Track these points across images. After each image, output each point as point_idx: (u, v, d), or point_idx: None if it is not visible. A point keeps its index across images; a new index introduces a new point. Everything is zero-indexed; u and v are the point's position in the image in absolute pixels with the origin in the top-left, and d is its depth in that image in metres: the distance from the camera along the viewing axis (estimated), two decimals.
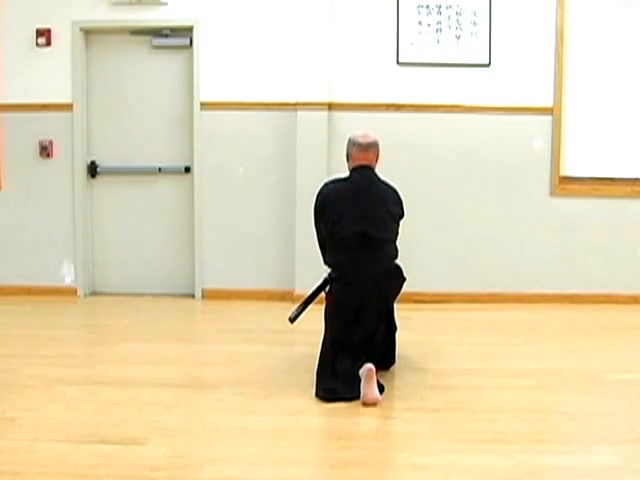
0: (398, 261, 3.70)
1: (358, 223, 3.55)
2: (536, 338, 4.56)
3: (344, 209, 3.58)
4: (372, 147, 3.70)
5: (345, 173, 3.78)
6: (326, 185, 3.75)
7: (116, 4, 5.42)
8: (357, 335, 3.53)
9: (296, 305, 3.76)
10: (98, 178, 5.67)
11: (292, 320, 3.70)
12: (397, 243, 3.70)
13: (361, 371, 3.36)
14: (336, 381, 3.43)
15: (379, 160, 3.76)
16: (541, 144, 5.43)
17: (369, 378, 3.33)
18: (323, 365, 3.53)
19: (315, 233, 3.79)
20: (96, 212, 5.71)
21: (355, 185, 3.64)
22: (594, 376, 3.78)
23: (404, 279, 3.72)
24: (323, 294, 3.70)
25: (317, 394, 3.43)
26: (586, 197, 5.46)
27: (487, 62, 5.38)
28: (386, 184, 3.74)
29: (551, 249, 5.49)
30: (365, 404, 3.32)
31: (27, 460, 2.74)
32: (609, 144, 5.47)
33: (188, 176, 5.62)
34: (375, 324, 3.58)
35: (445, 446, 2.90)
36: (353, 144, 3.71)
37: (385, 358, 3.77)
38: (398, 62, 5.41)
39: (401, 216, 3.76)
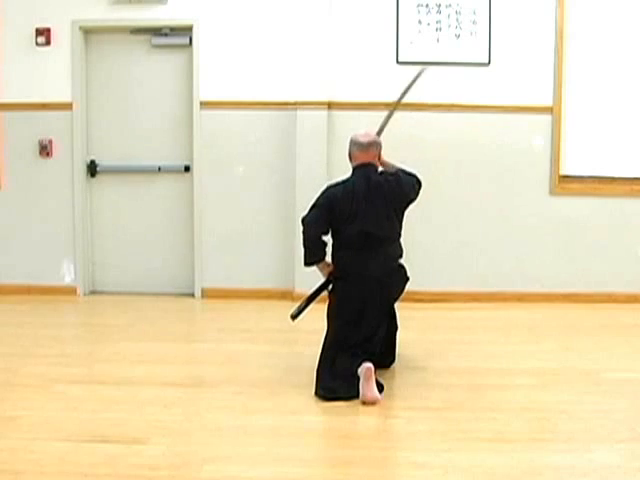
0: (401, 260, 3.70)
1: (361, 222, 3.55)
2: (536, 337, 4.56)
3: (349, 209, 3.56)
4: (372, 146, 3.71)
5: (345, 174, 3.77)
6: (331, 188, 3.70)
7: (116, 3, 5.42)
8: (358, 334, 3.53)
9: (297, 303, 3.76)
10: (98, 177, 5.67)
11: (294, 317, 3.71)
12: (401, 240, 3.71)
13: (360, 370, 3.37)
14: (335, 380, 3.43)
15: (380, 157, 3.75)
16: (541, 143, 5.43)
17: (368, 377, 3.34)
18: (323, 364, 3.53)
19: (308, 220, 3.63)
20: (96, 211, 5.71)
21: (357, 185, 3.63)
22: (594, 375, 3.79)
23: (407, 279, 3.71)
24: (325, 293, 3.71)
25: (316, 393, 3.43)
26: (586, 196, 5.46)
27: (487, 61, 5.38)
28: (389, 174, 3.70)
29: (551, 248, 5.49)
30: (364, 403, 3.33)
31: (27, 459, 2.75)
32: (609, 143, 5.47)
33: (188, 175, 5.62)
34: (377, 323, 3.58)
35: (445, 445, 2.90)
36: (354, 144, 3.72)
37: (385, 357, 3.77)
38: (398, 61, 5.41)
39: (412, 199, 3.73)
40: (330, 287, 3.68)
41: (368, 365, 3.36)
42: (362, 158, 3.69)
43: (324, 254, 3.66)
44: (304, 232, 3.62)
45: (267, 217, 5.55)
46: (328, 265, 3.67)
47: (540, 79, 5.38)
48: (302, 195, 5.26)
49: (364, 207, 3.56)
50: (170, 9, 5.45)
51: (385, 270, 3.58)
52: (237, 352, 4.19)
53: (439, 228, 5.49)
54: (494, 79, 5.40)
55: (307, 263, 3.67)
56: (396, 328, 3.83)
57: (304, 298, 3.71)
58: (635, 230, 5.46)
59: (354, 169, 3.72)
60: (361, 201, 3.57)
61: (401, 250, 3.70)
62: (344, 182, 3.69)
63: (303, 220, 3.63)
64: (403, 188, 3.70)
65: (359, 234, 3.55)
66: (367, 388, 3.33)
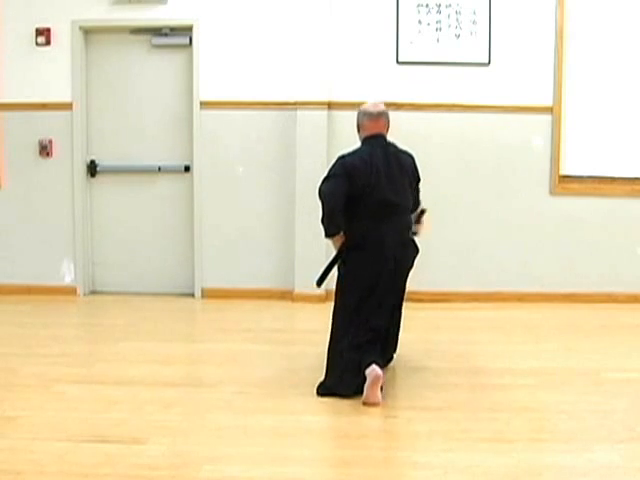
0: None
1: (381, 191, 3.51)
2: (536, 337, 4.56)
3: (368, 178, 3.51)
4: (383, 115, 3.68)
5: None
6: (344, 157, 3.60)
7: (116, 3, 5.42)
8: (370, 306, 3.48)
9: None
10: (98, 177, 5.67)
11: (319, 284, 3.65)
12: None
13: (367, 372, 3.33)
14: (340, 376, 3.42)
15: (389, 129, 3.72)
16: (541, 143, 5.43)
17: (374, 383, 3.31)
18: (332, 356, 3.51)
19: (325, 191, 3.52)
20: (96, 211, 5.71)
21: (373, 154, 3.57)
22: (594, 375, 3.79)
23: (418, 250, 3.69)
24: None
25: (318, 390, 3.44)
26: (586, 196, 5.46)
27: (487, 61, 5.38)
28: (401, 150, 3.71)
29: (551, 248, 5.49)
30: (365, 404, 3.32)
31: (27, 459, 2.75)
32: (609, 143, 5.47)
33: (188, 175, 5.62)
34: (389, 297, 3.53)
35: (445, 445, 2.90)
36: (364, 114, 3.68)
37: (389, 346, 3.74)
38: (398, 61, 5.41)
39: (418, 180, 3.77)
40: (342, 259, 3.61)
41: (378, 372, 3.31)
42: (372, 128, 3.65)
43: (343, 224, 3.55)
44: (325, 203, 3.50)
45: (267, 217, 5.55)
46: (341, 237, 3.58)
47: (540, 79, 5.38)
48: (302, 195, 5.27)
49: (383, 176, 3.53)
50: (170, 9, 5.45)
51: (401, 240, 3.56)
52: (237, 352, 4.18)
53: (439, 228, 5.47)
54: (494, 79, 5.40)
55: (329, 235, 3.57)
56: (400, 316, 3.78)
57: (323, 269, 3.64)
58: (635, 230, 5.46)
59: (364, 140, 3.67)
60: (380, 170, 3.53)
61: (412, 221, 3.69)
62: (357, 152, 3.62)
63: (320, 191, 3.51)
64: (415, 165, 3.74)
65: (380, 203, 3.50)
66: (371, 392, 3.31)
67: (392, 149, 3.67)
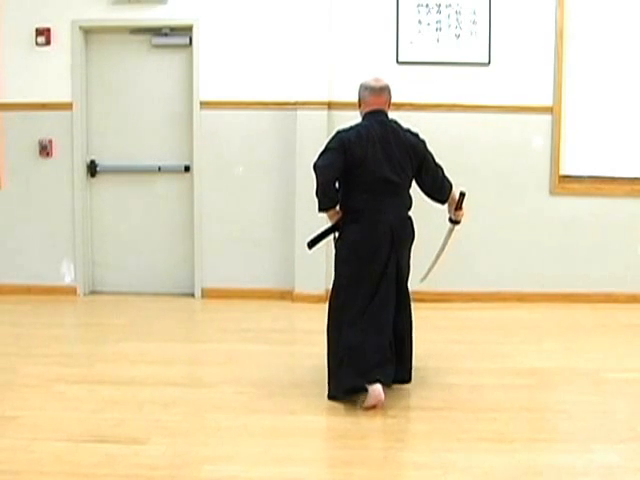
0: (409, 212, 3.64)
1: (377, 166, 3.46)
2: (535, 337, 4.56)
3: (364, 153, 3.45)
4: (385, 90, 3.65)
5: None
6: (342, 132, 3.55)
7: (116, 3, 5.42)
8: (368, 284, 3.42)
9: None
10: (98, 177, 5.67)
11: (310, 246, 3.61)
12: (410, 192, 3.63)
13: (370, 388, 3.29)
14: (339, 378, 3.40)
15: (390, 105, 3.68)
16: (541, 143, 5.43)
17: (377, 402, 3.28)
18: (331, 358, 3.48)
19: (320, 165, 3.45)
20: (96, 211, 5.71)
21: (371, 129, 3.53)
22: (593, 375, 3.79)
23: (414, 233, 3.63)
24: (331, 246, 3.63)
25: (330, 395, 3.41)
26: (586, 196, 5.46)
27: (487, 61, 5.38)
28: (403, 128, 3.63)
29: (551, 248, 5.49)
30: (366, 409, 3.31)
31: (27, 459, 2.75)
32: (609, 143, 5.47)
33: (188, 175, 5.62)
34: (385, 273, 3.46)
35: (445, 445, 2.90)
36: (365, 88, 3.64)
37: (400, 360, 3.56)
38: (398, 61, 5.41)
39: (424, 159, 3.60)
40: (337, 235, 3.58)
41: (380, 395, 3.28)
42: (374, 103, 3.60)
43: (338, 198, 3.51)
44: (319, 176, 3.44)
45: (267, 217, 5.54)
46: (337, 212, 3.54)
47: (540, 79, 5.38)
48: (302, 195, 5.27)
49: (380, 151, 3.47)
50: (170, 9, 5.45)
51: (399, 215, 3.52)
52: (237, 352, 4.19)
53: (439, 228, 5.44)
54: (494, 79, 5.40)
55: (323, 209, 3.53)
56: (410, 325, 3.65)
57: (317, 233, 3.60)
58: (635, 230, 5.46)
59: (365, 115, 3.63)
60: (377, 145, 3.48)
61: (410, 201, 3.63)
62: (355, 127, 3.58)
63: (315, 165, 3.45)
64: (419, 142, 3.60)
65: (377, 179, 3.45)
66: (371, 406, 3.31)
67: (392, 125, 3.59)
